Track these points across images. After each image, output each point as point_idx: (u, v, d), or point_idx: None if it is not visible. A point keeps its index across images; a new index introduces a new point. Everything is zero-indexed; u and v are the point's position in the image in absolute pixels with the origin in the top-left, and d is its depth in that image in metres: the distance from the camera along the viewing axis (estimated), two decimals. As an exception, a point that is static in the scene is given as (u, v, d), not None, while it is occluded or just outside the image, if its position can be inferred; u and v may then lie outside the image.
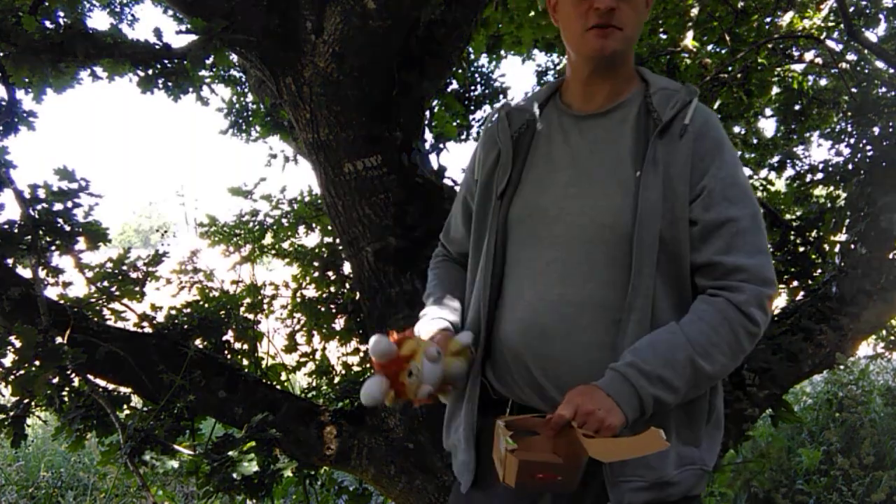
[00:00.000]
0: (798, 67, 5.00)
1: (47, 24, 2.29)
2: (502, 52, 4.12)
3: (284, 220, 3.62)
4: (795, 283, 2.87)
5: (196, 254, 3.23)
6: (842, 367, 2.78)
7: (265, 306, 3.27)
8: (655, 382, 1.16)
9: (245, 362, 2.94)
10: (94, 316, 2.48)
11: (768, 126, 12.19)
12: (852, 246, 2.49)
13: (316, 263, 3.20)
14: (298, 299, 3.22)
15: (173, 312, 2.68)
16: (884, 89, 3.55)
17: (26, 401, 2.18)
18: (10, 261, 2.32)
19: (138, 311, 2.59)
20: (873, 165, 2.65)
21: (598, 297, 1.25)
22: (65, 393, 2.26)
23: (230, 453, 2.06)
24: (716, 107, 4.41)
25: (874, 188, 2.51)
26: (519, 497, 1.24)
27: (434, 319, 1.43)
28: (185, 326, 2.58)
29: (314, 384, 3.22)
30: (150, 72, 2.35)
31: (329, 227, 3.22)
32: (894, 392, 5.12)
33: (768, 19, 4.69)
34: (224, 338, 2.80)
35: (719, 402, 1.36)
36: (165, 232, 4.12)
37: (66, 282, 2.39)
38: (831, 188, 3.31)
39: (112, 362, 2.24)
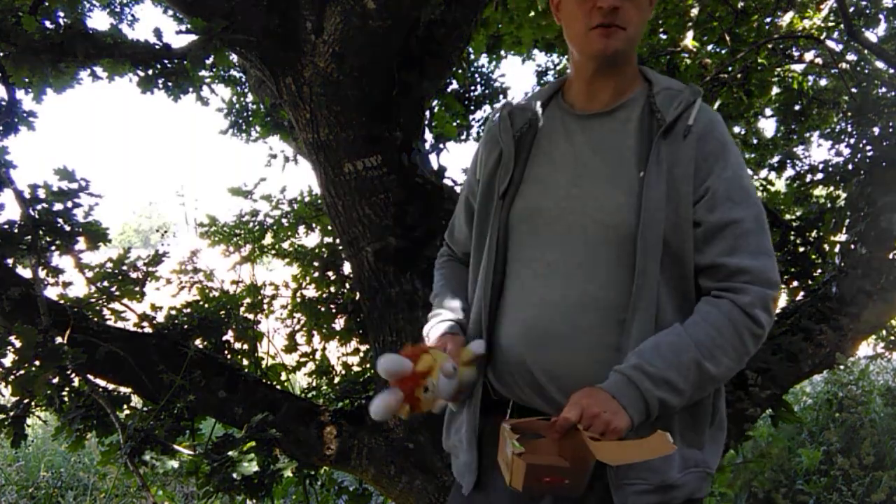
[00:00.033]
0: (798, 67, 5.00)
1: (47, 24, 2.29)
2: (502, 52, 4.12)
3: (284, 221, 3.62)
4: (795, 283, 2.87)
5: (196, 254, 3.23)
6: (842, 367, 2.78)
7: (265, 306, 3.27)
8: (661, 385, 1.15)
9: (245, 362, 2.94)
10: (94, 316, 2.48)
11: (768, 126, 12.20)
12: (852, 246, 2.49)
13: (316, 263, 3.20)
14: (298, 299, 3.22)
15: (173, 312, 2.68)
16: (884, 89, 3.55)
17: (26, 401, 2.18)
18: (10, 261, 2.32)
19: (138, 311, 2.59)
20: (873, 165, 2.65)
21: (601, 298, 1.24)
22: (65, 393, 2.26)
23: (230, 453, 2.06)
24: (716, 107, 4.41)
25: (874, 188, 2.51)
26: (521, 499, 1.23)
27: (444, 322, 1.42)
28: (185, 326, 2.58)
29: (314, 384, 3.22)
30: (150, 72, 2.35)
31: (329, 227, 3.22)
32: (894, 392, 5.11)
33: (768, 19, 4.68)
34: (224, 338, 2.80)
35: (722, 404, 1.35)
36: (165, 232, 4.11)
37: (66, 282, 2.39)
38: (831, 188, 3.32)
39: (112, 362, 2.24)
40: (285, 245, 3.54)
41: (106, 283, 2.54)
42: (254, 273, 3.49)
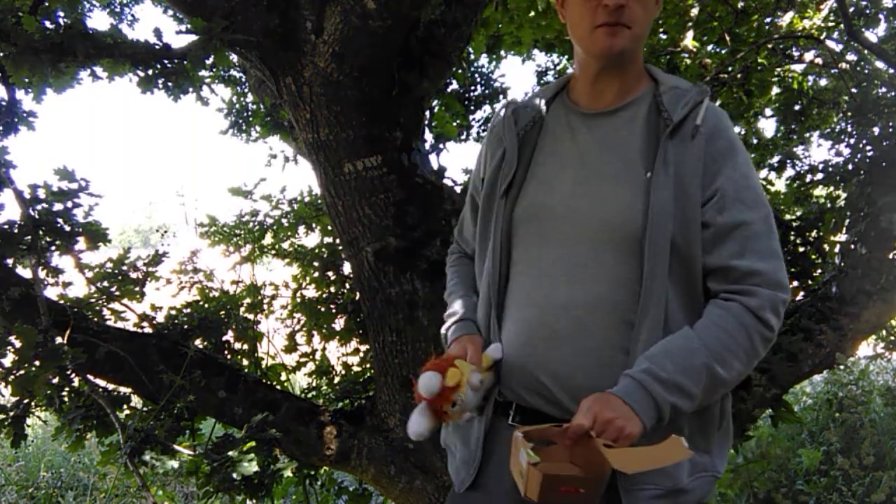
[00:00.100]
0: (798, 67, 5.00)
1: (47, 24, 2.28)
2: (502, 52, 4.13)
3: (284, 221, 3.63)
4: (795, 283, 2.87)
5: (196, 254, 3.23)
6: (842, 367, 2.78)
7: (265, 306, 3.27)
8: (672, 389, 1.14)
9: (245, 362, 2.94)
10: (94, 316, 2.48)
11: (768, 126, 12.22)
12: (852, 246, 2.48)
13: (316, 263, 3.20)
14: (298, 299, 3.22)
15: (173, 312, 2.68)
16: (884, 89, 3.55)
17: (26, 401, 2.18)
18: (10, 261, 2.31)
19: (138, 311, 2.59)
20: (873, 165, 2.65)
21: (607, 298, 1.23)
22: (65, 393, 2.26)
23: (230, 453, 2.06)
24: (716, 107, 4.40)
25: (874, 188, 2.51)
26: (522, 502, 1.23)
27: (461, 321, 1.42)
28: (185, 326, 2.58)
29: (314, 384, 3.22)
30: (150, 72, 2.34)
31: (329, 227, 3.22)
32: (894, 392, 5.11)
33: (768, 19, 4.69)
34: (224, 338, 2.80)
35: (729, 408, 1.34)
36: (165, 232, 4.12)
37: (66, 282, 2.39)
38: (831, 188, 3.32)
39: (112, 362, 2.24)
40: (285, 245, 3.55)
41: (106, 283, 2.53)
42: (254, 273, 3.49)
